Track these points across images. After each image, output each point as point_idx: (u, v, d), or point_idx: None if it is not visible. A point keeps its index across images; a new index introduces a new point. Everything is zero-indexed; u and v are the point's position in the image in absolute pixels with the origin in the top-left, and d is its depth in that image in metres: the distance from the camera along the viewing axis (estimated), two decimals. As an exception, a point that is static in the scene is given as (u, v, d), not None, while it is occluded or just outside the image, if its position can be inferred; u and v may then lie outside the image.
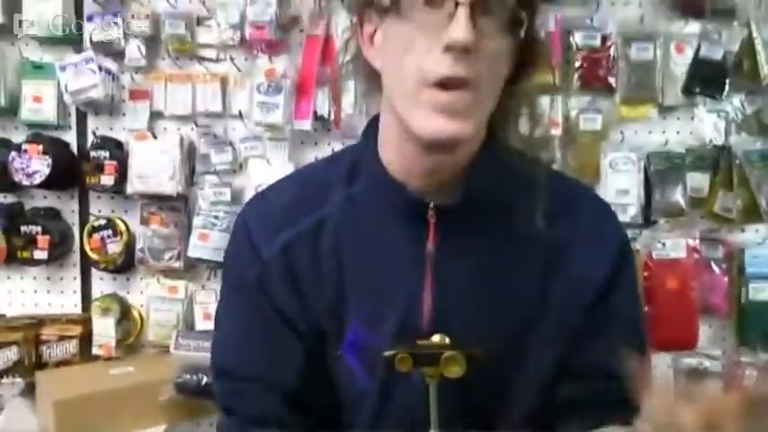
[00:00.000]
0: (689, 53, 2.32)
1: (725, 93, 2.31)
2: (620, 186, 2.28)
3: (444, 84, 0.90)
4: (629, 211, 2.28)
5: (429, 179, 1.00)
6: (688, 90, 2.33)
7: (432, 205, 0.99)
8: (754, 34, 2.29)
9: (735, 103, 2.35)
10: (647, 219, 2.31)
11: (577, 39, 2.32)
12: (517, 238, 1.01)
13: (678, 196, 2.29)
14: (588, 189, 1.19)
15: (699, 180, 2.33)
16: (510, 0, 0.91)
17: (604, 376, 0.96)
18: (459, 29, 0.87)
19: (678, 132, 2.37)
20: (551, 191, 1.02)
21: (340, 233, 1.04)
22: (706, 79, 2.31)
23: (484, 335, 0.98)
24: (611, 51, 2.32)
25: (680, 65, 2.33)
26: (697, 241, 2.31)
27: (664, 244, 2.30)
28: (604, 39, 2.32)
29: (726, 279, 2.33)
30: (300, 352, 1.05)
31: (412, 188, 1.01)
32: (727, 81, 2.31)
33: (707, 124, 2.35)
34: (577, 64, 2.33)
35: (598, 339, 1.02)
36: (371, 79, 1.02)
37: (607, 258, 1.04)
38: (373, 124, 1.07)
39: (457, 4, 0.88)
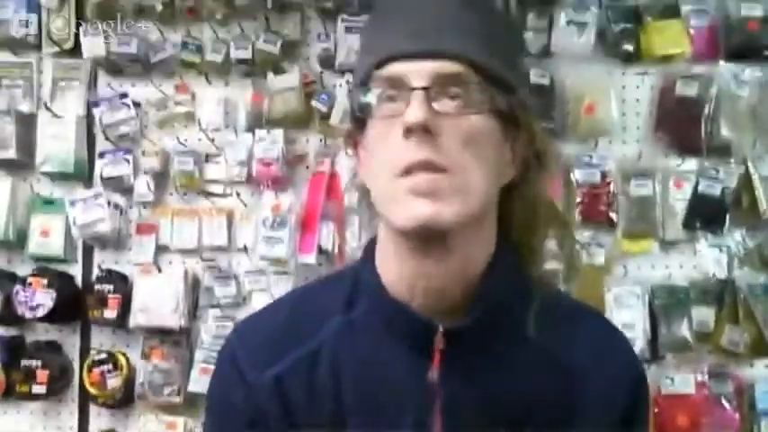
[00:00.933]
0: (687, 189, 2.36)
1: (725, 227, 2.33)
2: (625, 321, 2.26)
3: (413, 170, 0.86)
4: (635, 345, 2.25)
5: (433, 297, 0.93)
6: (689, 225, 2.35)
7: (441, 329, 0.92)
8: (751, 171, 2.33)
9: (736, 237, 2.37)
10: (654, 353, 2.29)
11: (577, 175, 2.37)
12: (531, 361, 0.96)
13: (684, 331, 2.27)
14: (602, 316, 1.15)
15: (704, 314, 2.31)
16: (471, 77, 0.88)
17: None
18: (412, 111, 0.86)
19: (681, 266, 2.38)
20: (567, 314, 0.99)
21: (338, 362, 0.97)
22: (706, 214, 2.34)
23: None
24: (611, 187, 2.36)
25: (679, 200, 2.36)
26: (705, 376, 2.27)
27: (672, 379, 2.27)
28: (604, 175, 2.37)
29: (737, 415, 2.28)
30: None
31: (416, 308, 0.94)
32: (728, 216, 2.33)
33: (709, 258, 2.36)
34: (578, 200, 2.36)
35: None
36: (368, 197, 0.97)
37: (627, 389, 1.00)
38: (371, 244, 1.01)
39: (412, 90, 0.87)
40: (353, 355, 0.97)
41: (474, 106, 0.88)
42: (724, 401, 2.28)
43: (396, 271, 0.95)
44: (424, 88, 0.86)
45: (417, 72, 0.87)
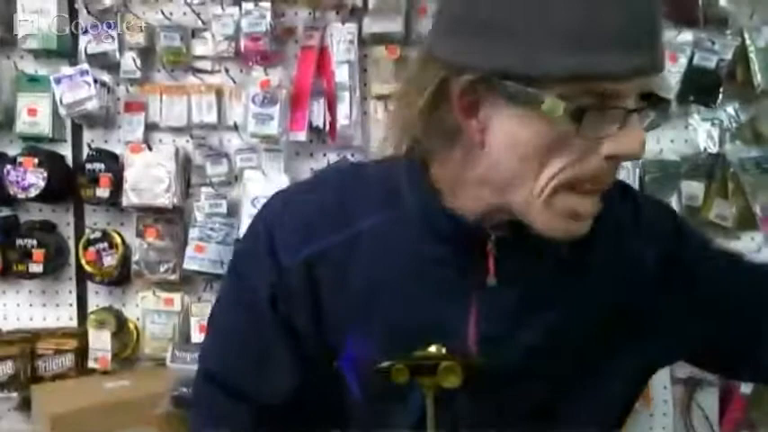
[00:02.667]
0: (682, 62, 2.33)
1: (719, 101, 2.32)
2: (615, 195, 2.28)
3: (590, 193, 0.86)
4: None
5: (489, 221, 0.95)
6: (682, 98, 2.33)
7: (493, 238, 0.94)
8: (748, 42, 2.29)
9: (729, 111, 2.36)
10: (643, 227, 2.31)
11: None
12: (578, 262, 0.98)
13: (674, 204, 2.29)
14: (645, 196, 1.17)
15: (694, 188, 2.33)
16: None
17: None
18: (637, 140, 0.82)
19: (672, 141, 2.38)
20: (610, 205, 0.97)
21: (375, 252, 0.98)
22: (700, 88, 2.32)
23: (538, 363, 0.97)
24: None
25: (674, 73, 2.33)
26: (693, 249, 2.31)
27: (659, 253, 2.30)
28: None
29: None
30: (299, 371, 1.01)
31: (468, 218, 0.95)
32: (721, 89, 2.31)
33: (701, 132, 2.36)
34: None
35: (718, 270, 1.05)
36: (445, 132, 0.91)
37: (667, 237, 1.04)
38: (416, 161, 0.98)
39: (627, 111, 0.81)
40: (393, 248, 0.98)
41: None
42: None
43: (467, 201, 0.94)
44: (636, 110, 0.83)
45: (631, 90, 0.83)
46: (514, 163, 0.86)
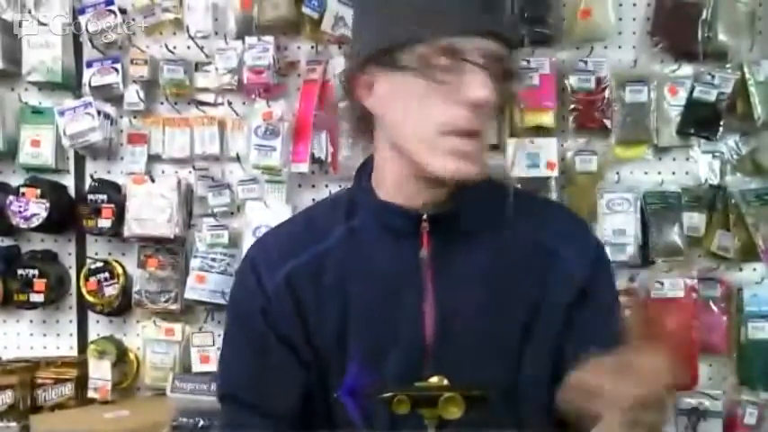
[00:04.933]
0: (682, 95, 2.34)
1: (719, 133, 2.33)
2: (617, 226, 2.29)
3: (462, 135, 1.02)
4: (626, 250, 2.28)
5: (424, 202, 1.10)
6: (682, 131, 2.35)
7: (425, 216, 1.09)
8: (747, 76, 2.31)
9: (729, 143, 2.37)
10: (645, 258, 2.32)
11: (572, 81, 2.35)
12: (506, 242, 1.12)
13: (675, 236, 2.30)
14: (563, 205, 1.39)
15: (695, 219, 2.33)
16: (507, 56, 1.04)
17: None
18: (481, 89, 1.00)
19: (674, 173, 2.38)
20: (531, 202, 1.21)
21: (343, 265, 1.12)
22: (700, 120, 2.33)
23: (486, 337, 1.08)
24: (606, 93, 2.34)
25: (674, 106, 2.35)
26: (695, 281, 2.31)
27: (662, 284, 2.30)
28: (599, 81, 2.35)
29: (725, 318, 2.33)
30: (301, 379, 1.12)
31: (406, 207, 1.11)
32: (722, 122, 2.32)
33: (702, 164, 2.37)
34: (572, 106, 2.35)
35: (588, 331, 1.11)
36: (363, 121, 1.13)
37: (588, 258, 1.16)
38: (365, 166, 1.18)
39: (475, 66, 1.00)
40: (356, 255, 1.12)
41: (501, 80, 1.04)
42: (712, 305, 2.33)
43: (394, 189, 1.11)
44: (485, 67, 1.01)
45: (477, 50, 1.01)
46: (401, 118, 1.05)
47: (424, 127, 1.03)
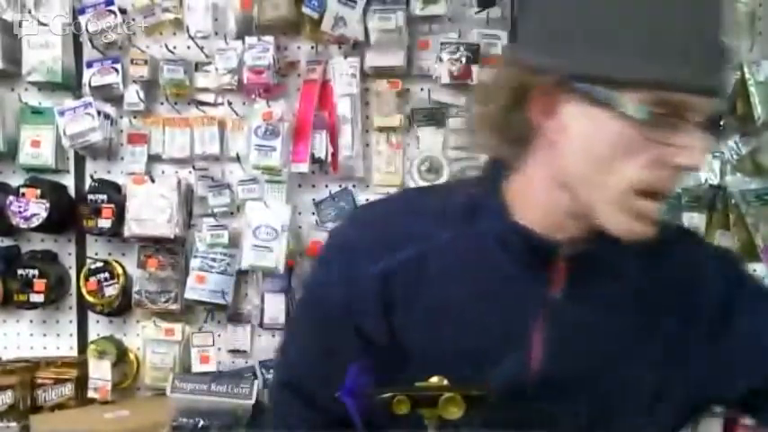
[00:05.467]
0: (682, 95, 2.34)
1: (719, 133, 2.33)
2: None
3: (656, 198, 0.90)
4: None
5: (566, 237, 0.98)
6: (682, 131, 2.35)
7: (563, 251, 0.98)
8: (747, 76, 2.31)
9: (730, 143, 2.37)
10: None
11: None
12: (639, 285, 1.02)
13: (675, 236, 2.30)
14: (699, 237, 1.22)
15: (695, 219, 2.33)
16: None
17: None
18: (697, 154, 0.87)
19: (673, 173, 2.38)
20: (669, 238, 1.03)
21: (449, 269, 1.01)
22: (700, 121, 2.33)
23: (595, 377, 1.00)
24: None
25: (675, 107, 2.35)
26: (695, 281, 2.30)
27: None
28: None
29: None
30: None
31: (545, 240, 0.98)
32: (722, 122, 2.32)
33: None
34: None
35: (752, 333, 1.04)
36: (516, 131, 0.96)
37: (730, 274, 1.07)
38: (494, 171, 1.02)
39: (696, 125, 0.87)
40: (466, 263, 1.01)
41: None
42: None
43: (537, 215, 0.98)
44: (703, 126, 0.87)
45: (700, 109, 0.87)
46: (589, 163, 0.90)
47: (614, 182, 0.89)
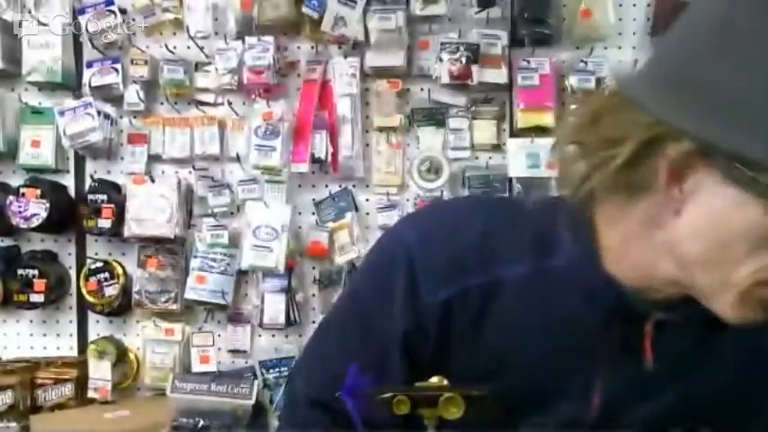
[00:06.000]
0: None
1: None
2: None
3: None
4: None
5: (656, 300, 0.89)
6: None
7: (654, 317, 0.90)
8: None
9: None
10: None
11: (572, 81, 2.35)
12: (708, 344, 0.94)
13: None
14: None
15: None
16: None
17: None
18: None
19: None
20: None
21: (514, 307, 0.92)
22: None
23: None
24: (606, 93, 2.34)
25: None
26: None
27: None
28: (599, 81, 2.35)
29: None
30: None
31: (626, 286, 0.89)
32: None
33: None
34: (572, 106, 2.35)
35: None
36: (626, 191, 0.84)
37: None
38: (585, 213, 0.91)
39: None
40: (534, 303, 0.92)
41: None
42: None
43: (631, 269, 0.89)
44: None
45: None
46: (715, 244, 0.80)
47: (739, 274, 0.79)
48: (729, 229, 0.78)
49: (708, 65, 0.77)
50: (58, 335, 2.51)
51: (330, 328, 1.06)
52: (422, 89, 2.42)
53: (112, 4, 2.38)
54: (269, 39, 2.37)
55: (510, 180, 2.37)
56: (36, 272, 2.39)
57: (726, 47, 0.76)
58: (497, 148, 2.39)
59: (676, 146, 0.77)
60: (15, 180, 2.46)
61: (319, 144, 2.38)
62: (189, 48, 2.44)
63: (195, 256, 2.40)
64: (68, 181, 2.49)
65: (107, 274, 2.41)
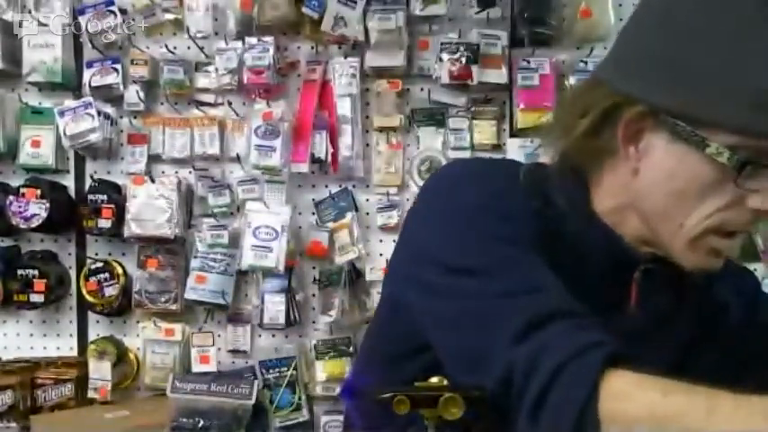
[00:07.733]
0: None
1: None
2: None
3: (732, 236, 0.91)
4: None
5: (642, 250, 0.98)
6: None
7: (641, 267, 0.98)
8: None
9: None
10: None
11: (572, 81, 2.35)
12: (701, 298, 1.04)
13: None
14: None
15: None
16: None
17: None
18: None
19: (673, 173, 2.38)
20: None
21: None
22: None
23: None
24: (606, 93, 2.34)
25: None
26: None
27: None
28: (599, 81, 2.34)
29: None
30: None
31: (629, 250, 0.97)
32: None
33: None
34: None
35: None
36: (592, 156, 0.95)
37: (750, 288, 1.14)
38: (579, 176, 0.98)
39: None
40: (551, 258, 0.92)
41: None
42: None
43: (615, 224, 0.96)
44: None
45: None
46: (667, 197, 0.90)
47: (691, 222, 0.89)
48: (678, 181, 0.88)
49: (655, 38, 0.88)
50: (57, 335, 2.51)
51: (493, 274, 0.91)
52: (422, 89, 2.42)
53: (112, 4, 2.38)
54: (269, 39, 2.37)
55: (510, 180, 2.37)
56: (36, 272, 2.39)
57: (670, 22, 0.87)
58: (497, 148, 2.39)
59: (630, 110, 0.88)
60: (15, 180, 2.46)
61: (319, 144, 2.38)
62: (189, 48, 2.44)
63: (195, 257, 2.40)
64: (68, 181, 2.49)
65: (107, 275, 2.41)
